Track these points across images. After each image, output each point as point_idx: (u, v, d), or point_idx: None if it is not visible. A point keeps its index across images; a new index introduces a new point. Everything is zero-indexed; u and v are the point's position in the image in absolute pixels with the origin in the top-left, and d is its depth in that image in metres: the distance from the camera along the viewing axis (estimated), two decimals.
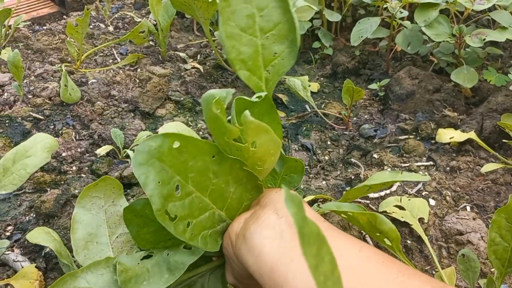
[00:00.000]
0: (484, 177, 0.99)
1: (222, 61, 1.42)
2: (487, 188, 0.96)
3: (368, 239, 0.87)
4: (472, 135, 1.05)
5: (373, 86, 1.37)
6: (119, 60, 1.52)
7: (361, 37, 1.31)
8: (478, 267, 0.66)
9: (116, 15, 1.86)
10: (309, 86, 1.27)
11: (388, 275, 0.38)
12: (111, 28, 1.77)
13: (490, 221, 0.87)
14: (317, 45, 1.59)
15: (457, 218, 0.87)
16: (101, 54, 1.56)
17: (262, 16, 0.71)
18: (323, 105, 1.33)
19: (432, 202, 0.93)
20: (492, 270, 0.76)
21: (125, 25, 1.81)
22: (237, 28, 0.72)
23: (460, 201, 0.93)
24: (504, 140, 1.05)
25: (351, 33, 1.34)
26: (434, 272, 0.79)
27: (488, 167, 0.98)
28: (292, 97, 1.37)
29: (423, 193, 0.96)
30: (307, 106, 1.33)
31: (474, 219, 0.86)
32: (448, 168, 1.03)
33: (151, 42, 1.63)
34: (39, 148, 0.79)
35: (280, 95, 1.35)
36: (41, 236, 0.70)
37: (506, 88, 1.19)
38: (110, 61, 1.52)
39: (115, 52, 1.57)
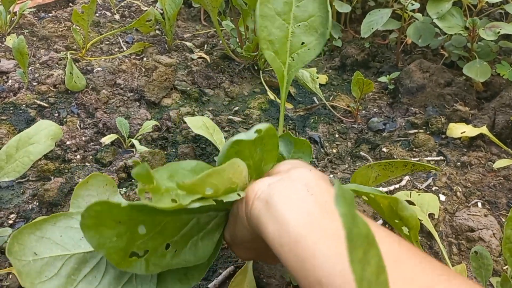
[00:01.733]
0: (496, 173, 0.97)
1: (229, 51, 1.39)
2: (499, 184, 0.94)
3: None
4: (483, 130, 1.03)
5: (383, 79, 1.35)
6: (125, 48, 1.51)
7: (372, 28, 1.28)
8: (491, 264, 0.65)
9: (122, 3, 1.84)
10: (318, 78, 1.25)
11: (432, 271, 0.36)
12: (117, 16, 1.75)
13: (502, 218, 0.85)
14: None
15: (468, 214, 0.85)
16: (107, 42, 1.54)
17: (299, 6, 0.73)
18: (331, 98, 1.31)
19: (443, 197, 0.91)
20: (505, 268, 0.75)
21: (132, 13, 1.79)
22: (273, 10, 0.73)
23: (471, 197, 0.91)
24: None
25: (362, 25, 1.32)
26: None
27: (500, 163, 0.96)
28: (300, 88, 1.35)
29: (433, 188, 0.94)
30: (315, 98, 1.30)
31: (485, 215, 0.84)
32: (459, 163, 1.01)
33: (157, 31, 1.61)
34: (42, 135, 0.77)
35: None
36: None
37: None
38: (116, 49, 1.50)
39: (121, 41, 1.55)
